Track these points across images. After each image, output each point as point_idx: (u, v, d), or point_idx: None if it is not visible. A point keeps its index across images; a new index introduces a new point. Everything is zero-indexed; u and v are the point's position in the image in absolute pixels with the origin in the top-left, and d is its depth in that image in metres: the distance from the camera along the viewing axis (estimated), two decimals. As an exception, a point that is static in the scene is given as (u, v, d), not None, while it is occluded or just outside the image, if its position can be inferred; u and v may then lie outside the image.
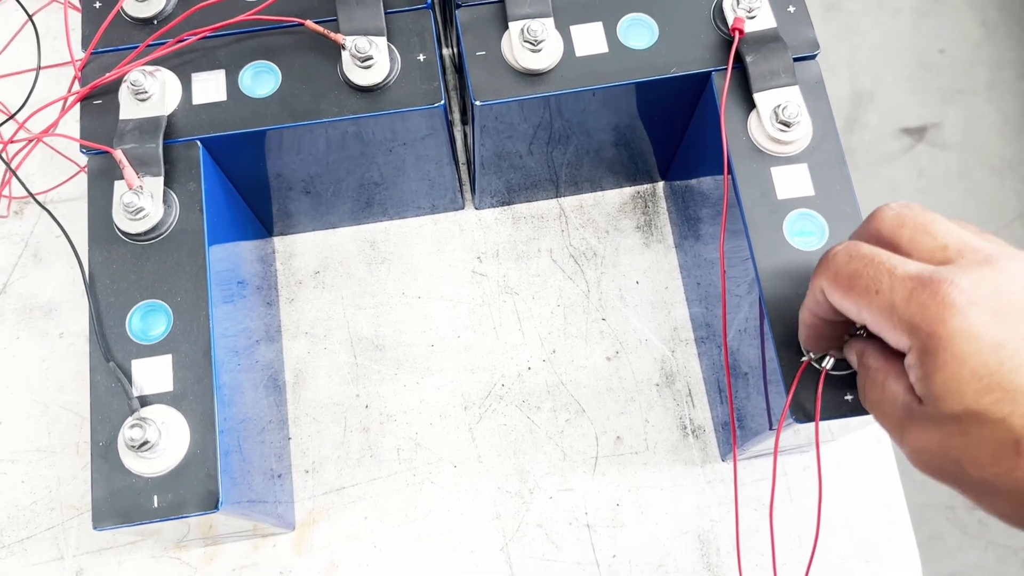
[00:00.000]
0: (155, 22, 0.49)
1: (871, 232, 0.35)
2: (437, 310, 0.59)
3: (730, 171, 0.46)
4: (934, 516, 1.30)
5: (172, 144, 0.46)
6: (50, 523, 0.54)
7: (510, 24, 0.48)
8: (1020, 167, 1.51)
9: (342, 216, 0.60)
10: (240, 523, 0.47)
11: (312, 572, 0.54)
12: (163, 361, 0.43)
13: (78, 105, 0.47)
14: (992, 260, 0.32)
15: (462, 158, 0.63)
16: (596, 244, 0.61)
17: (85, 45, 0.48)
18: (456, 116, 0.64)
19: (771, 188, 0.46)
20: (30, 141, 0.53)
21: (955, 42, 1.59)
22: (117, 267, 0.44)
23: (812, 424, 0.42)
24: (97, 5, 0.49)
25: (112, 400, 0.42)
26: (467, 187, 0.62)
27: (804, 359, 0.42)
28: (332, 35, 0.47)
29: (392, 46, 0.48)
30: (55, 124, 0.50)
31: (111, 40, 0.48)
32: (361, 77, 0.47)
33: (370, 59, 0.46)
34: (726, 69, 0.47)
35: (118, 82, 0.47)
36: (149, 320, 0.44)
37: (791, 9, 0.49)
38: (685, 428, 0.57)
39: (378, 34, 0.47)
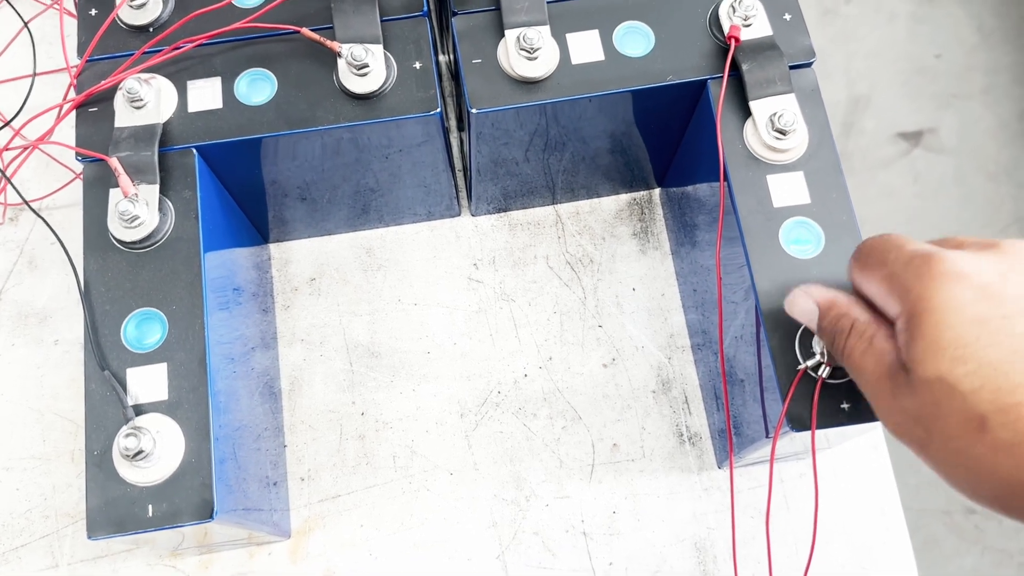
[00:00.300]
0: (151, 29, 0.49)
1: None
2: (433, 317, 0.59)
3: (726, 179, 0.46)
4: (930, 521, 1.30)
5: (168, 152, 0.46)
6: (45, 531, 0.54)
7: (506, 32, 0.48)
8: (1016, 172, 1.51)
9: (338, 223, 0.60)
10: (235, 531, 0.47)
11: (308, 580, 0.54)
12: (158, 370, 0.43)
13: (74, 112, 0.47)
14: (998, 244, 0.34)
15: (458, 165, 0.63)
16: (592, 251, 0.61)
17: (81, 52, 0.48)
18: (452, 123, 0.64)
19: (767, 196, 0.46)
20: (25, 148, 0.53)
21: (951, 47, 1.59)
22: (112, 275, 0.44)
23: (808, 432, 0.42)
24: (93, 12, 0.49)
25: (107, 409, 0.42)
26: (463, 194, 0.62)
27: (800, 367, 0.42)
28: (328, 43, 0.47)
29: (388, 54, 0.48)
30: (50, 131, 0.50)
31: (107, 47, 0.48)
32: (357, 85, 0.47)
33: (366, 67, 0.46)
34: (722, 77, 0.47)
35: (114, 89, 0.47)
36: (144, 328, 0.44)
37: (787, 17, 0.49)
38: (681, 435, 0.57)
39: (374, 42, 0.47)
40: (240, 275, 0.53)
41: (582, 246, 0.61)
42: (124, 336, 0.43)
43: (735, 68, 0.48)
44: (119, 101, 0.46)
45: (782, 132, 0.46)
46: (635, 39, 0.49)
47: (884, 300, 0.35)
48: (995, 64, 1.58)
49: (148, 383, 0.42)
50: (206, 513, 0.40)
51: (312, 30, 0.47)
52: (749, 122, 0.47)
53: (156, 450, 0.40)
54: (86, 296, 0.44)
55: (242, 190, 0.52)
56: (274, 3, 0.48)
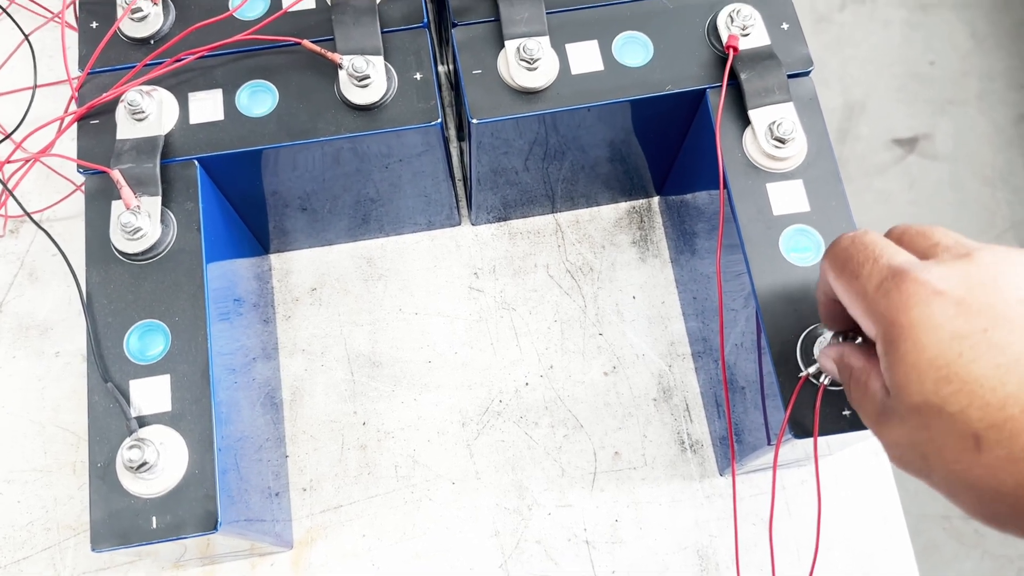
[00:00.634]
0: (152, 42, 0.49)
1: (887, 234, 0.36)
2: (434, 326, 0.59)
3: (726, 187, 0.47)
4: (930, 526, 1.31)
5: (169, 164, 0.46)
6: (47, 543, 0.54)
7: (506, 43, 0.48)
8: (1011, 177, 1.52)
9: (339, 233, 0.60)
10: (238, 542, 0.47)
11: (310, 591, 0.54)
12: (161, 381, 0.43)
13: (75, 124, 0.47)
14: (971, 253, 0.32)
15: (458, 174, 0.63)
16: (592, 259, 0.61)
17: (82, 65, 0.49)
18: (452, 133, 0.64)
19: (767, 204, 0.46)
20: (27, 161, 0.53)
21: (945, 53, 1.60)
22: (115, 287, 0.44)
23: (810, 439, 0.42)
24: (94, 25, 0.49)
25: (110, 421, 0.42)
26: (463, 203, 0.62)
27: (802, 374, 0.42)
28: (329, 54, 0.47)
29: (389, 65, 0.48)
30: (52, 144, 0.50)
31: (108, 60, 0.49)
32: (358, 96, 0.47)
33: (367, 78, 0.46)
34: (721, 86, 0.48)
35: (115, 102, 0.47)
36: (147, 340, 0.44)
37: (784, 26, 0.50)
38: (683, 443, 0.57)
39: (375, 53, 0.48)
40: (241, 286, 0.53)
41: (582, 254, 0.61)
42: (127, 348, 0.43)
43: (734, 77, 0.48)
44: (121, 113, 0.47)
45: (781, 140, 0.46)
46: (634, 49, 0.49)
47: (859, 318, 0.34)
48: (989, 70, 1.59)
49: (151, 395, 0.42)
50: (210, 524, 0.40)
51: (313, 42, 0.48)
52: (748, 131, 0.47)
53: (160, 462, 0.40)
54: (89, 308, 0.44)
55: (243, 201, 0.53)
56: (275, 15, 0.48)
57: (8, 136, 0.61)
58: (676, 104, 0.50)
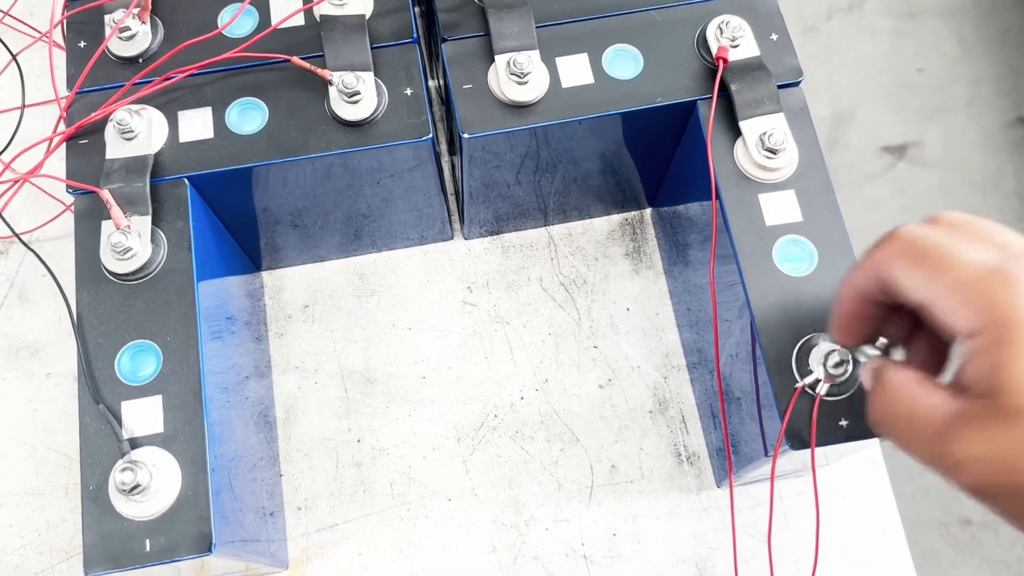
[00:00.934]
0: (140, 60, 0.49)
1: (930, 222, 0.34)
2: (428, 341, 0.59)
3: (718, 198, 0.47)
4: (928, 533, 1.30)
5: (159, 183, 0.46)
6: (39, 567, 0.53)
7: (496, 57, 0.48)
8: (1001, 182, 1.52)
9: (331, 249, 0.60)
10: (233, 563, 0.46)
11: (307, 611, 0.53)
12: (153, 402, 0.42)
13: (64, 144, 0.47)
14: None
15: (450, 189, 0.63)
16: (586, 272, 0.61)
17: (70, 84, 0.48)
18: (443, 147, 0.64)
19: (759, 215, 0.46)
20: (16, 181, 0.53)
21: (933, 60, 1.61)
22: (105, 307, 0.44)
23: (807, 450, 0.42)
24: (82, 44, 0.49)
25: (102, 443, 0.41)
26: (456, 217, 0.62)
27: (798, 385, 0.42)
28: (319, 71, 0.47)
29: (379, 81, 0.48)
30: (41, 164, 0.50)
31: (96, 79, 0.48)
32: (348, 112, 0.47)
33: (357, 94, 0.46)
34: (711, 98, 0.48)
35: (104, 121, 0.47)
36: (138, 361, 0.43)
37: (773, 37, 0.50)
38: (680, 455, 0.57)
39: (365, 69, 0.47)
40: (233, 304, 0.52)
41: (575, 267, 0.61)
42: (118, 369, 0.43)
43: (724, 88, 0.48)
44: (110, 133, 0.46)
45: (772, 151, 0.46)
46: (624, 62, 0.49)
47: (952, 308, 0.31)
48: (977, 76, 1.60)
49: (143, 416, 0.42)
50: (204, 546, 0.40)
51: (303, 58, 0.48)
52: (739, 142, 0.47)
53: (153, 484, 0.40)
54: (79, 329, 0.44)
55: (234, 219, 0.52)
56: (264, 32, 0.48)
57: (-3, 156, 0.60)
58: (667, 116, 0.50)
